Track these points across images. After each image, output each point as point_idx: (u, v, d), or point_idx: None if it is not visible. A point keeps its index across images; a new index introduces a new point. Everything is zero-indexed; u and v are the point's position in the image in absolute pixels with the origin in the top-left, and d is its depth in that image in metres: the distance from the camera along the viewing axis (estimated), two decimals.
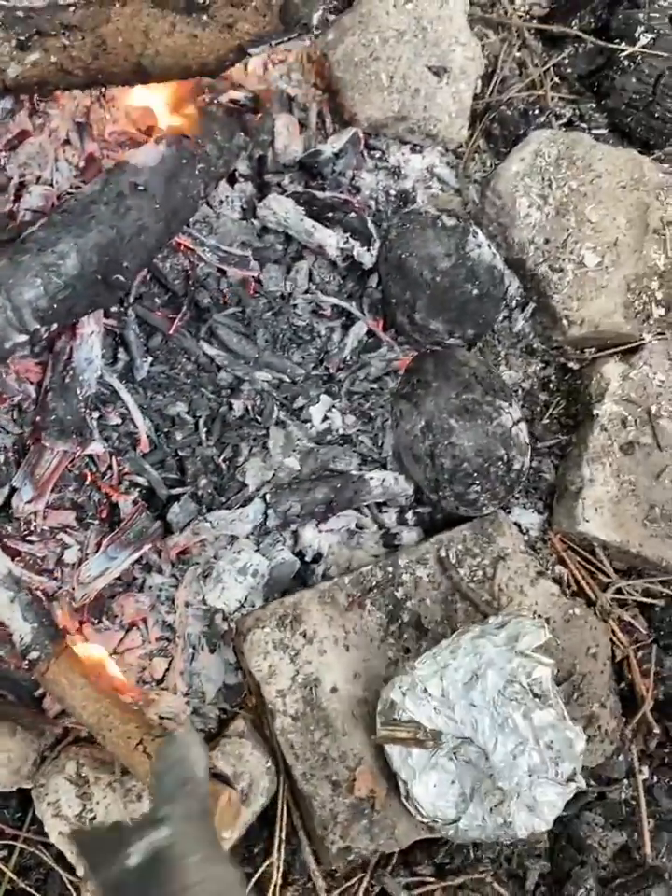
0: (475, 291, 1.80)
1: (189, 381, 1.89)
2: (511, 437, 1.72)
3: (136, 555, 1.78)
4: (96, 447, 1.79)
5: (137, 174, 1.65)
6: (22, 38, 1.50)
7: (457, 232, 1.80)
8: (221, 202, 1.91)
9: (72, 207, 1.63)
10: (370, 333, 1.96)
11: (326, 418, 1.92)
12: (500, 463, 1.71)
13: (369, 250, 1.89)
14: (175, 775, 1.25)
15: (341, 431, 1.92)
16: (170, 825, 1.11)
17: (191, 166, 1.72)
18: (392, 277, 1.86)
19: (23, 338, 1.57)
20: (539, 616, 1.73)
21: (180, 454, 1.86)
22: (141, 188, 1.64)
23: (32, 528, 1.78)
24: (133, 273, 1.71)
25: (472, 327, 1.84)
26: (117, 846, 1.10)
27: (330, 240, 1.87)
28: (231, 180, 1.93)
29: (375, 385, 1.96)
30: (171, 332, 1.86)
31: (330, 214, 1.90)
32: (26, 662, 1.62)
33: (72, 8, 1.55)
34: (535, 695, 1.56)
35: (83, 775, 1.63)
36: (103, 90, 1.87)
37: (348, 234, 1.89)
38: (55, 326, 1.62)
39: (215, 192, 1.89)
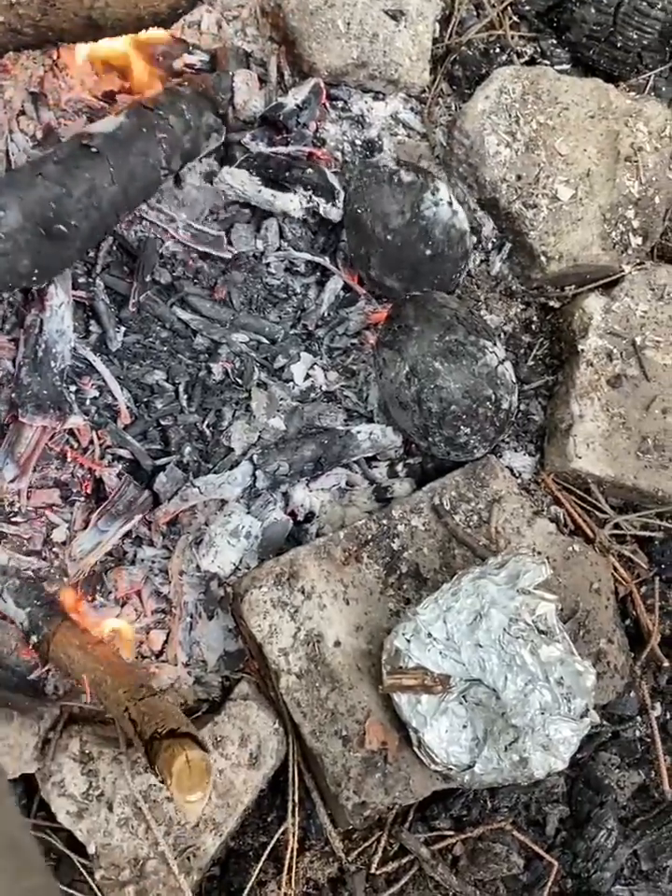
0: (428, 252, 1.75)
1: (164, 348, 1.85)
2: (498, 376, 1.69)
3: (128, 526, 1.74)
4: (76, 420, 1.76)
5: (91, 138, 1.61)
6: None
7: (414, 190, 1.74)
8: (188, 169, 1.87)
9: (21, 167, 1.62)
10: (346, 288, 1.93)
11: (308, 376, 1.89)
12: (488, 403, 1.67)
13: (334, 204, 1.86)
14: None
15: (324, 388, 1.89)
16: None
17: (151, 133, 1.68)
18: (350, 232, 1.81)
19: None
20: (539, 554, 1.70)
21: (162, 423, 1.82)
22: (94, 150, 1.60)
23: (16, 509, 1.75)
24: (86, 234, 1.64)
25: (427, 286, 1.79)
26: None
27: (292, 204, 1.84)
28: None
29: (355, 340, 1.93)
30: (137, 300, 1.81)
31: (288, 173, 1.85)
32: (31, 647, 1.60)
33: None
34: (540, 632, 1.53)
35: (87, 751, 1.59)
36: (56, 57, 1.84)
37: (311, 192, 1.85)
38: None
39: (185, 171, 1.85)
